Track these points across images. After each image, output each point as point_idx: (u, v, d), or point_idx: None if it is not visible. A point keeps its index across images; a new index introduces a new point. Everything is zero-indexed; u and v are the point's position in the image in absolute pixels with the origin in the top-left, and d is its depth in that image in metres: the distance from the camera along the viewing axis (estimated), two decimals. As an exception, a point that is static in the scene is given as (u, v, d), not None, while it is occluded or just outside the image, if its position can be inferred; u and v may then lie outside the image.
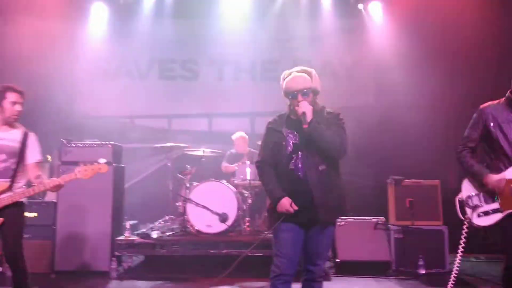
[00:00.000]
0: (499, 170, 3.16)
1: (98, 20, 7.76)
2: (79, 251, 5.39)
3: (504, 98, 3.28)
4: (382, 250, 5.46)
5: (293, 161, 2.96)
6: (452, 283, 3.52)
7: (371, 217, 5.64)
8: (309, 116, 2.89)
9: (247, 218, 5.88)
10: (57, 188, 3.58)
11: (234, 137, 6.86)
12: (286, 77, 3.05)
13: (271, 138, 3.07)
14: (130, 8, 7.76)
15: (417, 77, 6.87)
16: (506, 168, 3.14)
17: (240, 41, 7.79)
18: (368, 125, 6.79)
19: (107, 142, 5.66)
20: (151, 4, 7.79)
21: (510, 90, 3.22)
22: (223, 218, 5.63)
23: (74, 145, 5.60)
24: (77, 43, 7.50)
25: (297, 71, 3.06)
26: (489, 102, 3.33)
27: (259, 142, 6.44)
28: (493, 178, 3.14)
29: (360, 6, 7.86)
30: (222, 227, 5.63)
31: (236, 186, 6.11)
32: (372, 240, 5.46)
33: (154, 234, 5.60)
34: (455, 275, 3.50)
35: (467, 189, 3.34)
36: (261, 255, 5.46)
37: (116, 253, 5.45)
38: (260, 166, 3.13)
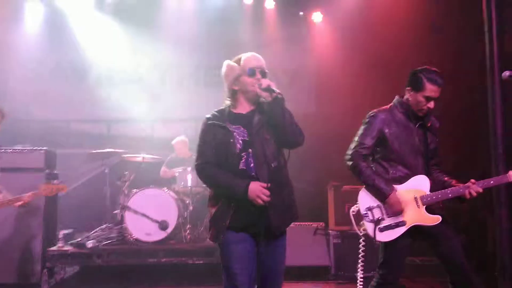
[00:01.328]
0: (397, 181, 2.98)
1: (33, 20, 7.40)
2: (7, 263, 5.06)
3: (393, 104, 3.12)
4: (322, 255, 5.55)
5: (243, 160, 2.60)
6: None
7: (311, 223, 5.72)
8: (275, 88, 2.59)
9: (188, 226, 5.78)
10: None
11: (174, 141, 6.74)
12: (232, 62, 2.76)
13: (214, 136, 2.65)
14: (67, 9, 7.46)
15: (358, 84, 7.06)
16: (405, 178, 2.98)
17: (184, 45, 7.69)
18: (309, 132, 6.87)
19: (40, 148, 5.37)
20: (90, 5, 7.52)
21: (399, 95, 3.12)
22: (163, 225, 5.50)
23: (4, 150, 5.27)
24: (9, 43, 7.11)
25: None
26: (382, 107, 3.14)
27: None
28: (397, 199, 2.90)
29: (302, 14, 8.01)
30: (162, 235, 5.50)
31: (177, 193, 6.00)
32: (312, 245, 5.52)
33: (90, 244, 5.37)
34: (361, 286, 3.30)
35: (365, 200, 3.00)
36: (201, 262, 5.42)
37: (48, 265, 5.17)
38: (205, 168, 2.68)
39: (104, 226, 5.92)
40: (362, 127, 3.10)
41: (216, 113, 2.74)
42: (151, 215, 5.49)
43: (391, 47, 6.95)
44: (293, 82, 7.82)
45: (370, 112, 3.13)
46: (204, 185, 6.01)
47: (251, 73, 2.69)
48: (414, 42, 6.46)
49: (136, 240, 5.48)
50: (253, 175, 2.59)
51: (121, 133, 7.64)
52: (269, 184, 2.54)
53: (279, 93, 2.59)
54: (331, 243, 5.59)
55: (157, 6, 7.58)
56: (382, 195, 2.93)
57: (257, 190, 2.52)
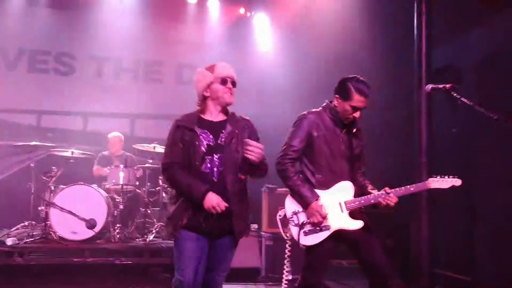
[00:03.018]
0: (323, 185, 3.01)
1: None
2: None
3: (323, 108, 3.13)
4: (253, 257, 5.57)
5: (206, 163, 2.72)
6: None
7: (244, 224, 5.71)
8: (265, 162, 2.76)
9: (118, 225, 5.60)
10: None
11: (110, 135, 6.52)
12: (204, 69, 2.86)
13: (181, 137, 2.75)
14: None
15: (299, 86, 7.15)
16: (330, 182, 3.01)
17: (123, 38, 7.47)
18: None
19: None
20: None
21: (328, 100, 3.15)
22: (90, 224, 5.30)
23: None
24: None
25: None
26: (312, 110, 3.14)
27: (137, 146, 6.33)
28: (319, 207, 2.93)
29: (248, 14, 8.05)
30: (89, 233, 5.31)
31: (107, 190, 5.80)
32: (244, 247, 5.49)
33: (9, 241, 5.06)
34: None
35: (292, 205, 3.03)
36: (130, 263, 5.27)
37: (-39, 263, 4.82)
38: (169, 168, 2.77)
39: (26, 223, 5.61)
40: (292, 129, 3.11)
41: (184, 116, 2.86)
42: (79, 213, 5.27)
43: (334, 49, 7.08)
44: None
45: (300, 114, 3.15)
46: (137, 184, 5.94)
47: (223, 81, 2.81)
48: (353, 47, 6.63)
49: (61, 238, 5.24)
50: (213, 178, 2.71)
51: (51, 126, 7.29)
52: (227, 205, 2.66)
53: (265, 165, 2.78)
54: (263, 245, 5.62)
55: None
56: (304, 203, 2.97)
57: (215, 200, 2.63)
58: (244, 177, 2.79)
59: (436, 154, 4.31)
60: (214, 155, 2.73)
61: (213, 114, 2.84)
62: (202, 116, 2.84)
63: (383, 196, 2.97)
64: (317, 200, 2.95)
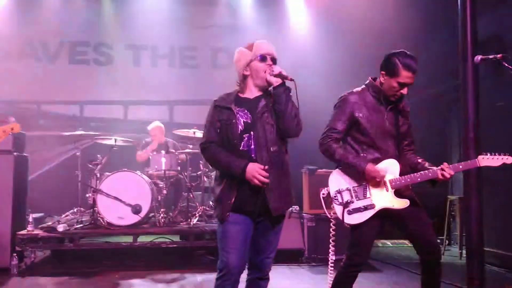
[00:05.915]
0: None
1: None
2: (-25, 247, 4.93)
3: (365, 86, 3.07)
4: (296, 238, 5.59)
5: (244, 141, 2.68)
6: (330, 275, 3.21)
7: (285, 206, 5.72)
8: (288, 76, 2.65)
9: (162, 209, 5.72)
10: None
11: (150, 127, 6.62)
12: (244, 48, 2.81)
13: (219, 117, 2.73)
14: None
15: (335, 68, 7.03)
16: (377, 160, 2.96)
17: (157, 26, 7.55)
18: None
19: (7, 129, 5.19)
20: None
21: (371, 77, 3.07)
22: (136, 209, 5.43)
23: (-32, 132, 5.09)
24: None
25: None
26: (353, 90, 3.07)
27: (177, 132, 6.42)
28: (375, 168, 2.89)
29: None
30: (135, 218, 5.43)
31: (150, 176, 5.92)
32: (286, 229, 5.49)
33: (61, 228, 5.26)
34: (331, 269, 3.23)
35: (336, 184, 3.00)
36: (175, 246, 5.39)
37: (17, 249, 5.05)
38: (207, 147, 2.76)
39: (75, 209, 5.82)
40: (334, 111, 3.06)
41: (223, 96, 2.83)
42: (124, 198, 5.41)
43: (371, 31, 6.92)
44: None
45: (341, 96, 3.08)
46: (178, 169, 6.04)
47: (262, 58, 2.74)
48: (390, 26, 6.44)
49: (109, 224, 5.40)
50: (252, 156, 2.66)
51: (93, 115, 7.50)
52: (266, 167, 2.59)
53: (291, 79, 2.65)
54: (305, 226, 5.63)
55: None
56: (358, 170, 2.92)
57: (254, 170, 2.58)
58: (276, 148, 2.68)
59: (482, 130, 4.15)
60: (252, 132, 2.69)
61: (252, 93, 2.79)
62: (241, 95, 2.81)
63: (440, 169, 2.87)
64: (369, 163, 2.90)
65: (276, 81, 2.68)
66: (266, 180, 2.59)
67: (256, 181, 2.58)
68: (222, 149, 2.71)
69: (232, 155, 2.66)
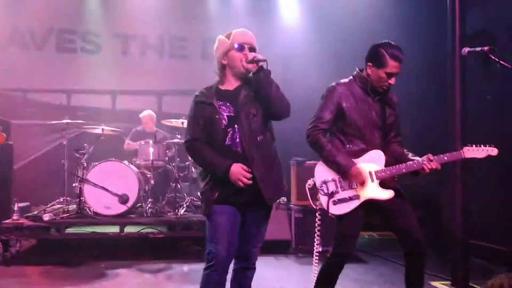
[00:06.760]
0: (354, 155, 2.97)
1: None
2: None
3: (352, 77, 3.08)
4: (283, 230, 5.62)
5: (229, 135, 2.64)
6: (315, 266, 3.23)
7: (273, 197, 5.73)
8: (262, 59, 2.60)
9: (150, 200, 5.70)
10: None
11: (142, 114, 6.61)
12: (223, 36, 2.76)
13: (201, 113, 2.68)
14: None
15: (325, 60, 7.02)
16: (362, 151, 2.98)
17: (147, 15, 7.48)
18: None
19: (-8, 117, 5.15)
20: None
21: (358, 68, 3.08)
22: (123, 199, 5.40)
23: (-48, 120, 5.03)
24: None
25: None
26: (341, 81, 3.08)
27: (165, 122, 6.38)
28: (359, 171, 2.91)
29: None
30: (122, 208, 5.41)
31: (138, 166, 5.90)
32: (274, 220, 5.50)
33: (47, 217, 5.21)
34: (316, 260, 3.24)
35: (321, 174, 3.01)
36: (162, 236, 5.38)
37: (2, 237, 5.00)
38: (192, 145, 2.73)
39: (61, 199, 5.77)
40: (321, 101, 3.06)
41: (204, 90, 2.77)
42: (111, 188, 5.37)
43: (359, 22, 6.92)
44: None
45: (329, 86, 3.09)
46: (166, 159, 6.01)
47: (240, 48, 2.70)
48: (379, 15, 6.44)
49: (95, 213, 5.37)
50: (237, 150, 2.63)
51: (81, 104, 7.42)
52: (250, 170, 2.58)
53: (264, 61, 2.61)
54: (292, 218, 5.65)
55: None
56: (342, 171, 2.94)
57: (238, 173, 2.57)
58: (262, 138, 2.66)
59: (469, 122, 4.18)
60: (236, 125, 2.65)
61: (232, 83, 2.75)
62: (221, 87, 2.76)
63: (424, 162, 2.89)
64: (355, 164, 2.92)
65: (253, 67, 2.65)
66: (250, 182, 2.57)
67: (241, 184, 2.58)
68: (207, 147, 2.68)
69: (216, 155, 2.64)
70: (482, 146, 2.96)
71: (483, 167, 3.64)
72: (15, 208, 5.23)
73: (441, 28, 4.30)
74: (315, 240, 3.27)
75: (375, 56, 2.97)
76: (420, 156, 2.97)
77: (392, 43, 2.98)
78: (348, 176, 2.93)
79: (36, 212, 5.51)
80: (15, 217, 5.20)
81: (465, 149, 2.98)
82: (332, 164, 2.97)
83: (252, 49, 2.73)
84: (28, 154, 6.79)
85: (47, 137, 6.85)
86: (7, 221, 5.14)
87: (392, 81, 2.96)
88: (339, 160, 2.93)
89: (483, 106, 5.18)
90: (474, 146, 2.96)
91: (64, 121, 5.74)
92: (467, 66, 4.12)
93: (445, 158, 2.96)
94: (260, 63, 2.62)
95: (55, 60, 7.39)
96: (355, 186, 2.96)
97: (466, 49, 2.92)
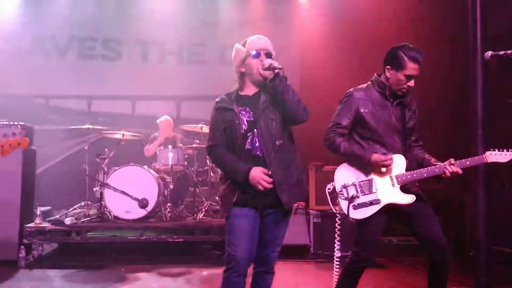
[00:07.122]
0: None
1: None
2: (-17, 240, 4.98)
3: (370, 82, 3.09)
4: (301, 234, 5.59)
5: (249, 140, 2.69)
6: (335, 271, 3.22)
7: (292, 202, 5.72)
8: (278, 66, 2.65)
9: (169, 204, 5.74)
10: None
11: (159, 120, 6.65)
12: (239, 44, 2.82)
13: (222, 118, 2.75)
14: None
15: (342, 65, 6.99)
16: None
17: (166, 22, 7.55)
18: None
19: (16, 123, 5.23)
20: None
21: (377, 73, 3.09)
22: (142, 203, 5.45)
23: (-22, 125, 5.14)
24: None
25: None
26: (359, 86, 3.09)
27: (184, 127, 6.43)
28: (380, 156, 2.88)
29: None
30: (141, 213, 5.46)
31: (157, 171, 5.95)
32: (292, 225, 5.48)
33: (68, 221, 5.30)
34: (337, 265, 3.23)
35: (342, 178, 3.00)
36: (181, 240, 5.41)
37: (25, 241, 5.10)
38: (213, 150, 2.80)
39: (82, 203, 5.86)
40: (339, 107, 3.07)
41: (224, 96, 2.84)
42: (131, 192, 5.43)
43: (376, 28, 6.89)
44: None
45: (347, 92, 3.09)
46: (185, 164, 6.05)
47: (256, 55, 2.74)
48: (395, 19, 6.39)
49: (115, 217, 5.43)
50: (258, 154, 2.68)
51: (101, 110, 7.53)
52: (269, 172, 2.62)
53: (280, 68, 2.64)
54: (311, 223, 5.62)
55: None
56: (365, 161, 2.92)
57: (258, 177, 2.61)
58: (281, 142, 2.68)
59: (491, 126, 4.11)
60: (255, 130, 2.70)
61: (251, 89, 2.81)
62: (240, 93, 2.83)
63: (445, 166, 2.86)
64: (373, 152, 2.90)
65: (270, 74, 2.68)
66: (270, 186, 2.61)
67: (260, 187, 2.61)
68: (227, 152, 2.74)
69: (237, 159, 2.69)
70: (505, 150, 2.92)
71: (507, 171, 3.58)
72: (38, 212, 5.32)
73: (464, 30, 4.25)
74: (335, 245, 3.24)
75: (393, 58, 2.96)
76: (442, 161, 2.93)
77: (410, 45, 2.97)
78: (371, 165, 2.90)
79: (58, 216, 5.60)
80: (37, 221, 5.29)
81: (488, 153, 2.94)
82: (353, 157, 2.97)
83: (268, 55, 2.76)
84: (50, 159, 6.91)
85: (69, 142, 6.98)
86: (29, 225, 5.23)
87: (411, 83, 2.94)
88: (357, 151, 2.94)
89: (505, 109, 5.08)
90: (496, 150, 2.93)
91: (85, 126, 5.84)
92: (489, 68, 4.05)
93: (467, 162, 2.93)
94: (276, 70, 2.66)
95: (76, 67, 7.52)
96: (376, 190, 2.93)
97: (489, 53, 2.87)
